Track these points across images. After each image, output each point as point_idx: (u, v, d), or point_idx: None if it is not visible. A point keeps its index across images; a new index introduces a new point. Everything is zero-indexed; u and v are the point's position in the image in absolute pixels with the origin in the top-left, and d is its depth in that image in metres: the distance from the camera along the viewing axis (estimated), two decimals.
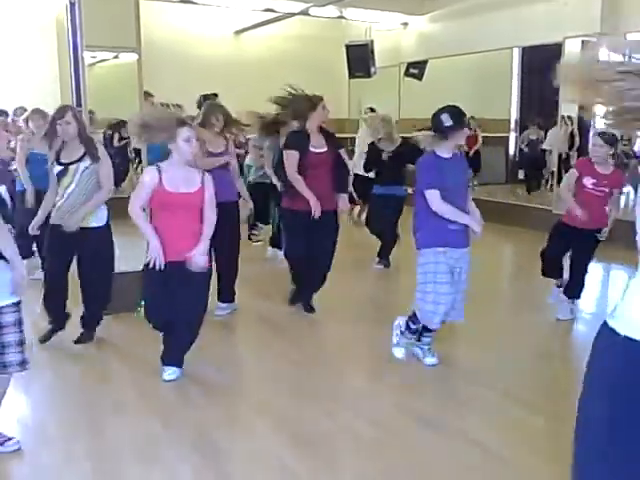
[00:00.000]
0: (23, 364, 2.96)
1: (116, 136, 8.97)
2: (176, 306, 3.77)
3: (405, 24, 12.23)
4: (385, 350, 4.59)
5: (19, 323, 2.92)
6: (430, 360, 4.12)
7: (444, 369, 4.19)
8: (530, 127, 11.10)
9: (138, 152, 8.07)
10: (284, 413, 3.60)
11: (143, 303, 3.89)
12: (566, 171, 9.36)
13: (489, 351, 4.43)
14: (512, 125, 12.04)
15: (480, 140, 10.96)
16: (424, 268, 3.92)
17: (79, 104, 5.12)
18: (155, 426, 3.43)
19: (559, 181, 9.30)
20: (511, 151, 12.30)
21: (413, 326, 4.10)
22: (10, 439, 3.09)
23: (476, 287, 5.61)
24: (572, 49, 8.86)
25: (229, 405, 3.70)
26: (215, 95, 5.82)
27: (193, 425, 3.47)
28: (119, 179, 8.71)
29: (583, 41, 8.86)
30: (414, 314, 4.04)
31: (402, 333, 4.16)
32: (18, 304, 2.92)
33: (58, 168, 4.28)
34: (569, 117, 9.42)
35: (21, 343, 2.94)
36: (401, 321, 4.19)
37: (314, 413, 3.61)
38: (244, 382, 4.10)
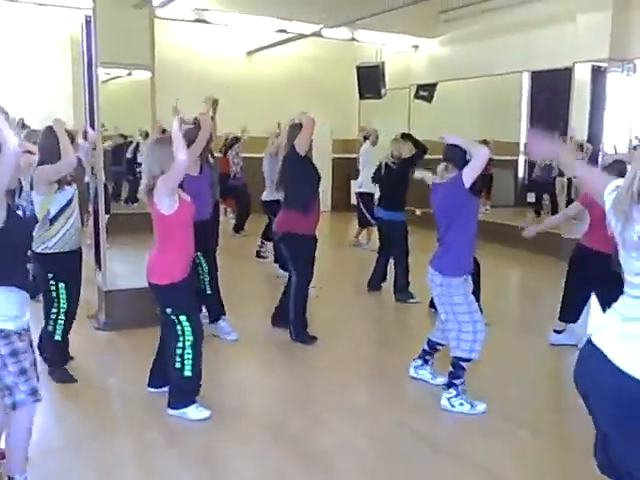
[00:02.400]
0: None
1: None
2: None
3: (416, 47, 12.36)
4: (387, 369, 4.59)
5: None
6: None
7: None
8: None
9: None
10: (285, 429, 3.60)
11: (185, 317, 3.60)
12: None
13: (490, 372, 4.42)
14: (521, 148, 12.06)
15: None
16: (469, 297, 3.85)
17: (92, 120, 5.19)
18: (158, 439, 3.44)
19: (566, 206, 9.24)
20: (520, 174, 12.30)
21: (462, 371, 3.87)
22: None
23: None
24: (582, 73, 8.90)
25: (231, 421, 3.70)
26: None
27: (197, 440, 3.48)
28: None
29: (593, 66, 8.90)
30: (458, 360, 3.84)
31: (457, 389, 3.88)
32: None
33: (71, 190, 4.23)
34: (580, 144, 9.20)
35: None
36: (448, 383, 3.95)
37: (316, 430, 3.61)
38: (247, 398, 4.10)
